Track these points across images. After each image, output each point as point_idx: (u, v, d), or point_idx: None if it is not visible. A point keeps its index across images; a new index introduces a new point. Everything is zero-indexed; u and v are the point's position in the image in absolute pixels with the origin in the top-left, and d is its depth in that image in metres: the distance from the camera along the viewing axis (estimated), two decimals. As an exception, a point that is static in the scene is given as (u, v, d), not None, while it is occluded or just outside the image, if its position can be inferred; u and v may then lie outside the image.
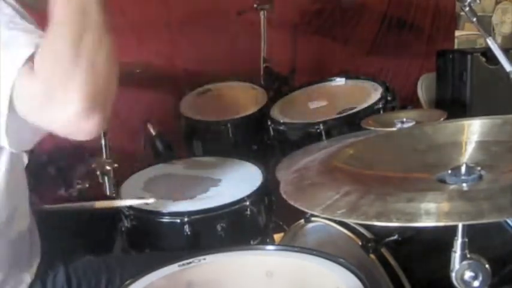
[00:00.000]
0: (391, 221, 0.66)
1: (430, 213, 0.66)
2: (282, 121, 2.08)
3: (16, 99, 0.88)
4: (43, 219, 1.26)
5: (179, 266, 1.06)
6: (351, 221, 1.15)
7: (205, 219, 1.53)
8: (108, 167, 1.95)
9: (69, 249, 1.27)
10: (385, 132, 1.40)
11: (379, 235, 1.22)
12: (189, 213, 1.51)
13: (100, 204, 1.56)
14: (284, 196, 0.81)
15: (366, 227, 1.25)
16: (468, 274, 0.74)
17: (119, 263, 1.25)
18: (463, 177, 0.77)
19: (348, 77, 2.29)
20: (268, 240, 1.73)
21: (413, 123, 1.58)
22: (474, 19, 1.43)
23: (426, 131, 0.97)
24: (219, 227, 1.53)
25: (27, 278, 1.14)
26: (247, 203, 1.57)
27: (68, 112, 0.85)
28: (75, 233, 1.41)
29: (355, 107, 2.01)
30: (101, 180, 1.98)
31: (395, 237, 1.21)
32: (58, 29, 0.90)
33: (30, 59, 0.88)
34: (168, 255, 1.20)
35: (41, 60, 0.87)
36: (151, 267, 1.06)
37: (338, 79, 2.29)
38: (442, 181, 0.79)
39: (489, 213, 0.63)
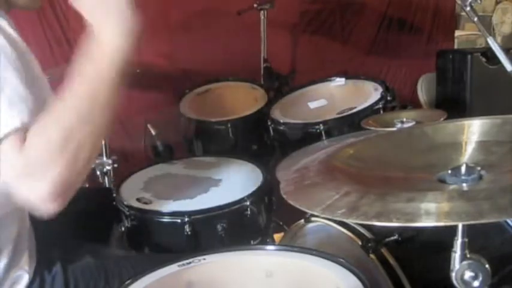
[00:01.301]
0: (391, 221, 0.66)
1: (430, 213, 0.66)
2: (282, 121, 2.08)
3: None
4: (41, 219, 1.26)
5: (179, 266, 1.06)
6: (350, 221, 1.15)
7: (205, 219, 1.53)
8: (108, 167, 1.96)
9: (68, 248, 1.26)
10: (385, 132, 1.40)
11: (379, 235, 1.22)
12: (189, 213, 1.51)
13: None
14: (284, 196, 0.81)
15: (366, 227, 1.25)
16: (468, 274, 0.74)
17: (117, 264, 1.25)
18: (463, 177, 0.77)
19: (348, 77, 2.29)
20: (268, 240, 1.73)
21: (413, 123, 1.58)
22: (475, 19, 1.43)
23: (426, 131, 0.97)
24: (219, 227, 1.53)
25: (26, 277, 1.14)
26: (247, 203, 1.57)
27: (37, 193, 0.92)
28: (75, 233, 1.41)
29: (355, 107, 2.01)
30: (101, 180, 1.98)
31: (395, 237, 1.21)
32: (62, 111, 0.95)
33: (19, 130, 0.92)
34: (168, 255, 1.20)
35: (34, 137, 0.92)
36: (151, 267, 1.06)
37: (338, 79, 2.29)
38: (442, 181, 0.79)
39: (489, 214, 0.63)
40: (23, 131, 0.93)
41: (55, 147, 0.92)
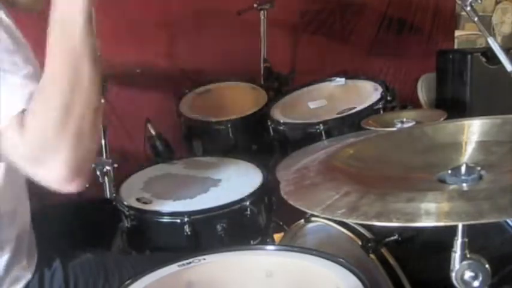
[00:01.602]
0: (391, 221, 0.66)
1: (430, 213, 0.66)
2: (282, 121, 2.08)
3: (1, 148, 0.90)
4: (42, 218, 1.26)
5: (179, 266, 1.06)
6: (350, 221, 1.15)
7: (205, 219, 1.53)
8: (108, 167, 1.96)
9: (68, 248, 1.27)
10: (385, 132, 1.40)
11: (379, 235, 1.22)
12: (189, 213, 1.51)
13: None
14: (284, 196, 0.81)
15: (366, 227, 1.25)
16: (468, 274, 0.74)
17: (117, 263, 1.25)
18: (463, 177, 0.77)
19: (348, 77, 2.29)
20: (268, 240, 1.73)
21: (413, 123, 1.58)
22: (476, 19, 1.43)
23: (426, 131, 0.97)
24: (219, 227, 1.53)
25: (28, 275, 1.14)
26: (247, 203, 1.57)
27: (53, 175, 0.90)
28: (75, 233, 1.41)
29: (355, 107, 2.01)
30: (101, 180, 1.98)
31: (395, 237, 1.21)
32: (49, 88, 0.92)
33: (19, 114, 0.90)
34: (167, 255, 1.20)
35: (32, 120, 0.90)
36: (151, 267, 1.06)
37: (338, 79, 2.29)
38: (442, 181, 0.79)
39: (489, 214, 0.63)
40: (20, 116, 0.90)
41: (56, 126, 0.89)
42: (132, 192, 1.67)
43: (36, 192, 1.20)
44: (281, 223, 1.89)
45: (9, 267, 1.11)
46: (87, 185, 0.95)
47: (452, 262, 0.75)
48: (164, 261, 1.07)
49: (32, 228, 1.21)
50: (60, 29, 0.96)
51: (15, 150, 0.91)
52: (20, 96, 0.92)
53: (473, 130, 0.90)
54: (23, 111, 0.91)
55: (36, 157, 0.89)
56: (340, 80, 2.28)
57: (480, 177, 0.77)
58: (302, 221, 1.43)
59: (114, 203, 1.63)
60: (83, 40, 0.94)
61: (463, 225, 0.74)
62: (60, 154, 0.89)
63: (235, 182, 1.71)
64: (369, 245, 1.21)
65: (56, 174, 0.89)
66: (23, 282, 1.14)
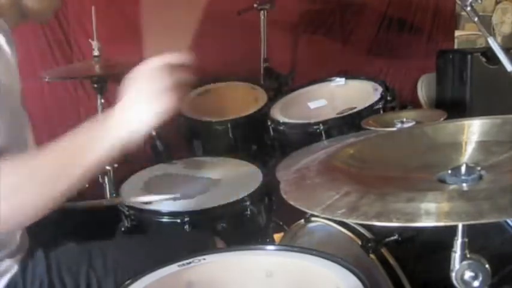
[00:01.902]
0: (390, 221, 0.66)
1: (430, 213, 0.66)
2: (282, 121, 2.08)
3: None
4: (42, 218, 1.26)
5: (179, 266, 1.06)
6: (350, 221, 1.15)
7: (205, 219, 1.53)
8: (108, 167, 1.96)
9: (50, 236, 1.26)
10: (385, 132, 1.40)
11: (379, 235, 1.22)
12: (189, 213, 1.51)
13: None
14: (284, 196, 0.81)
15: (366, 227, 1.25)
16: (468, 274, 0.74)
17: (101, 248, 1.24)
18: (463, 177, 0.77)
19: (348, 77, 2.29)
20: (268, 240, 1.73)
21: (413, 123, 1.58)
22: (476, 19, 1.43)
23: (426, 131, 0.97)
24: (219, 227, 1.53)
25: (13, 268, 1.14)
26: (247, 203, 1.57)
27: None
28: (75, 233, 1.41)
29: (355, 107, 2.01)
30: (100, 180, 1.98)
31: (395, 237, 1.21)
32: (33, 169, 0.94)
33: None
34: (167, 256, 1.20)
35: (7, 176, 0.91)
36: (151, 267, 1.06)
37: (338, 79, 2.29)
38: (442, 181, 0.79)
39: (489, 214, 0.63)
40: None
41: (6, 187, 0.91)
42: (132, 192, 1.67)
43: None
44: (281, 223, 1.89)
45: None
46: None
47: (452, 262, 0.75)
48: (164, 261, 1.07)
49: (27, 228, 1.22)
50: (84, 145, 0.98)
51: None
52: None
53: (473, 130, 0.90)
54: None
55: None
56: (340, 80, 2.28)
57: (480, 177, 0.77)
58: (302, 221, 1.43)
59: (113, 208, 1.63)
60: (89, 166, 0.97)
61: (463, 225, 0.74)
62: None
63: (235, 182, 1.71)
64: (369, 245, 1.21)
65: None
66: (8, 276, 1.14)
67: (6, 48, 1.05)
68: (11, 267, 1.14)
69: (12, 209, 0.92)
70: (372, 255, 1.20)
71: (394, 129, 1.52)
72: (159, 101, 0.98)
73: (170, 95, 0.98)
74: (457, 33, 3.78)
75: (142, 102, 0.98)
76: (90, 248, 1.24)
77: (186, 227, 1.50)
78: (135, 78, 1.00)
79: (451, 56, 3.11)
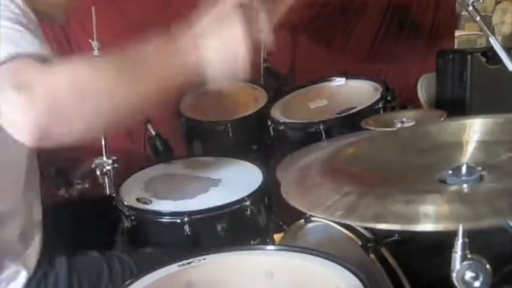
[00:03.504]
0: (388, 223, 0.66)
1: (428, 216, 0.65)
2: (282, 121, 2.08)
3: None
4: (43, 218, 1.26)
5: (179, 266, 1.06)
6: (348, 222, 1.15)
7: (205, 219, 1.53)
8: (108, 167, 1.96)
9: (72, 246, 1.26)
10: (386, 132, 1.40)
11: (379, 235, 1.22)
12: (189, 213, 1.51)
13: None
14: (284, 196, 0.81)
15: (366, 227, 1.25)
16: (469, 274, 0.74)
17: (121, 261, 1.25)
18: (463, 178, 0.77)
19: (348, 77, 2.29)
20: (268, 240, 1.73)
21: (413, 123, 1.58)
22: (478, 18, 1.43)
23: (427, 130, 0.97)
24: (219, 227, 1.53)
25: (24, 273, 1.14)
26: (247, 203, 1.57)
27: (27, 108, 0.84)
28: (76, 234, 1.42)
29: (355, 107, 2.01)
30: (100, 180, 1.98)
31: (395, 237, 1.21)
32: (95, 71, 0.91)
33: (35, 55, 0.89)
34: (167, 255, 1.20)
35: (55, 69, 0.89)
36: (151, 267, 1.06)
37: (338, 79, 2.29)
38: (443, 181, 0.79)
39: (487, 217, 0.63)
40: (43, 58, 0.91)
41: (76, 86, 0.87)
42: (132, 192, 1.67)
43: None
44: (281, 223, 1.89)
45: (8, 263, 1.12)
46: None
47: (453, 262, 0.75)
48: (164, 261, 1.07)
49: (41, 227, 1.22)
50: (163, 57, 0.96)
51: (14, 74, 0.88)
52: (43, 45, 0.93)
53: (475, 129, 0.90)
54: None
55: (31, 84, 0.85)
56: (340, 80, 2.28)
57: (481, 178, 0.77)
58: (302, 221, 1.43)
59: (114, 203, 1.63)
60: (161, 83, 0.95)
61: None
62: (54, 99, 0.86)
63: (235, 182, 1.71)
64: (369, 245, 1.21)
65: (32, 109, 0.84)
66: (23, 280, 1.14)
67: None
68: (20, 271, 1.14)
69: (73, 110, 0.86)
70: (372, 255, 1.20)
71: (394, 129, 1.52)
72: (238, 52, 0.95)
73: (249, 53, 0.95)
74: (457, 33, 3.77)
75: (223, 42, 0.95)
76: (110, 259, 1.25)
77: (186, 227, 1.50)
78: (228, 18, 0.97)
79: (451, 56, 3.11)
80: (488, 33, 1.43)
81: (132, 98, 0.92)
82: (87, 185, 1.95)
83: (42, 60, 0.90)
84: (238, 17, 0.95)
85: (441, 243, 0.80)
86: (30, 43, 0.92)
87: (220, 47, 0.95)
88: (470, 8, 1.42)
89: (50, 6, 1.17)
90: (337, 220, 0.78)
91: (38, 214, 1.22)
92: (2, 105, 0.86)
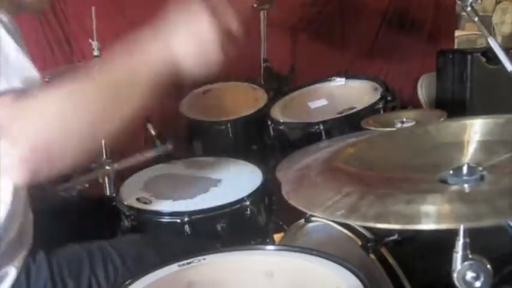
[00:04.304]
0: (389, 223, 0.66)
1: (429, 216, 0.65)
2: (282, 121, 2.08)
3: None
4: (42, 217, 1.26)
5: (179, 266, 1.06)
6: (349, 222, 1.15)
7: (205, 219, 1.53)
8: (108, 167, 1.96)
9: (51, 237, 1.26)
10: (386, 132, 1.40)
11: (379, 235, 1.22)
12: (189, 213, 1.51)
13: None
14: (285, 196, 0.81)
15: (366, 227, 1.25)
16: (470, 275, 0.74)
17: (102, 249, 1.24)
18: (464, 178, 0.77)
19: (348, 77, 2.29)
20: (268, 240, 1.73)
21: (413, 123, 1.58)
22: (476, 19, 1.43)
23: (428, 130, 0.96)
24: (219, 227, 1.53)
25: (13, 273, 1.14)
26: (247, 203, 1.57)
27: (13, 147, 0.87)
28: (76, 234, 1.41)
29: (355, 107, 2.01)
30: (101, 180, 1.98)
31: (395, 237, 1.21)
32: (74, 95, 0.92)
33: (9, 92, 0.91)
34: (167, 255, 1.20)
35: (33, 107, 0.90)
36: (151, 267, 1.06)
37: (338, 79, 2.29)
38: (444, 181, 0.78)
39: (488, 217, 0.63)
40: (19, 93, 0.91)
41: (48, 117, 0.89)
42: (132, 192, 1.67)
43: (36, 192, 1.20)
44: (281, 223, 1.89)
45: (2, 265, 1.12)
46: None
47: (453, 263, 0.75)
48: (164, 261, 1.07)
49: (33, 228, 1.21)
50: (132, 71, 0.96)
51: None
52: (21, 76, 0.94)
53: (476, 129, 0.89)
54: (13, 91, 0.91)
55: (7, 125, 0.87)
56: (340, 80, 2.28)
57: (482, 178, 0.77)
58: (302, 221, 1.43)
59: (114, 203, 1.63)
60: (139, 95, 0.96)
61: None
62: (30, 136, 0.88)
63: (235, 182, 1.71)
64: (369, 245, 1.21)
65: (16, 152, 0.87)
66: (11, 280, 1.13)
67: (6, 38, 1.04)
68: (9, 272, 1.14)
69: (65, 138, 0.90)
70: (371, 255, 1.20)
71: (394, 129, 1.52)
72: (207, 42, 0.96)
73: (219, 43, 0.96)
74: (457, 33, 3.77)
75: (192, 37, 0.96)
76: (92, 249, 1.23)
77: (186, 227, 1.50)
78: (192, 11, 0.97)
79: (451, 56, 3.11)
80: (486, 33, 1.43)
81: (114, 117, 0.94)
82: (87, 185, 1.95)
83: (23, 93, 0.92)
84: (203, 9, 0.96)
85: (441, 243, 0.80)
86: (12, 75, 0.93)
87: (190, 40, 0.96)
88: (469, 8, 1.42)
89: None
90: (338, 220, 0.78)
91: (30, 214, 1.21)
92: None
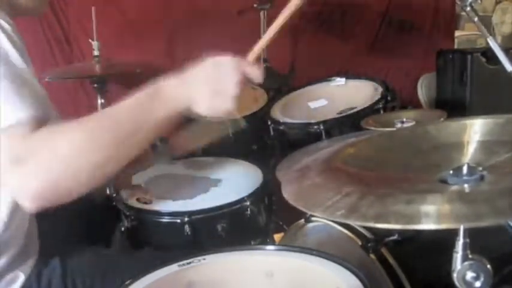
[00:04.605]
0: (389, 223, 0.66)
1: (429, 216, 0.65)
2: (282, 121, 2.08)
3: None
4: (42, 217, 1.26)
5: (179, 266, 1.06)
6: (349, 222, 1.15)
7: (205, 219, 1.53)
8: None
9: (67, 246, 1.26)
10: (386, 132, 1.40)
11: (379, 235, 1.22)
12: (189, 213, 1.51)
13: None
14: (285, 196, 0.81)
15: (366, 227, 1.25)
16: (470, 275, 0.74)
17: (114, 262, 1.24)
18: (464, 178, 0.77)
19: (348, 77, 2.29)
20: (268, 240, 1.73)
21: (413, 123, 1.58)
22: (475, 19, 1.43)
23: (428, 130, 0.96)
24: (219, 227, 1.52)
25: (21, 275, 1.14)
26: (247, 203, 1.57)
27: (25, 184, 0.92)
28: (74, 232, 1.41)
29: (355, 107, 2.01)
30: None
31: (396, 237, 1.21)
32: (88, 128, 0.96)
33: (30, 121, 0.93)
34: (167, 255, 1.20)
35: (44, 134, 0.93)
36: (151, 267, 1.06)
37: (338, 79, 2.29)
38: (444, 181, 0.79)
39: (488, 217, 0.63)
40: (36, 120, 0.94)
41: (63, 153, 0.92)
42: (132, 192, 1.67)
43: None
44: (281, 223, 1.89)
45: (11, 265, 1.12)
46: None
47: (453, 263, 0.75)
48: (164, 261, 1.07)
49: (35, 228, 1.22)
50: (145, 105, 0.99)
51: (9, 147, 0.92)
52: (36, 101, 0.96)
53: (476, 129, 0.89)
54: (37, 118, 0.94)
55: (21, 159, 0.91)
56: (340, 80, 2.28)
57: (482, 178, 0.77)
58: (302, 221, 1.43)
59: (114, 203, 1.63)
60: (148, 131, 0.99)
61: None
62: (45, 173, 0.92)
63: (235, 182, 1.71)
64: (369, 245, 1.21)
65: (27, 185, 0.91)
66: (20, 281, 1.13)
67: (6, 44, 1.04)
68: (21, 275, 1.14)
69: (73, 173, 0.93)
70: (372, 255, 1.20)
71: (394, 129, 1.52)
72: (219, 94, 0.99)
73: (231, 95, 0.99)
74: (457, 33, 3.78)
75: (204, 85, 0.99)
76: (103, 260, 1.25)
77: (186, 227, 1.50)
78: (208, 62, 1.02)
79: (451, 56, 3.11)
80: (486, 33, 1.43)
81: (121, 155, 0.98)
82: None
83: (35, 122, 0.94)
84: (234, 66, 1.01)
85: (441, 243, 0.80)
86: (25, 104, 0.94)
87: (209, 87, 1.00)
88: (468, 8, 1.42)
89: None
90: (338, 220, 0.78)
91: (34, 220, 1.22)
92: (1, 176, 0.93)
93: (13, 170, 0.91)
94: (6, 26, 1.00)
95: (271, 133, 2.10)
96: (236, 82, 0.99)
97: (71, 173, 0.93)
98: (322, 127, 1.92)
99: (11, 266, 1.12)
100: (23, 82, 0.96)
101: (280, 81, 2.53)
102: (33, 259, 1.17)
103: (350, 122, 1.93)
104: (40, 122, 0.94)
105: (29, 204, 0.94)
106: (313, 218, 1.39)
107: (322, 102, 2.21)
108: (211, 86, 1.00)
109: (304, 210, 0.76)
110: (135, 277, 1.03)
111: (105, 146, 0.95)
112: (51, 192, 0.93)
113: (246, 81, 1.01)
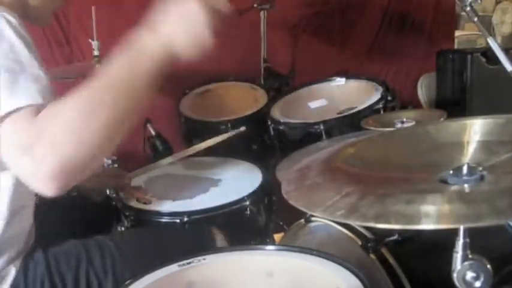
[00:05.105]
0: (389, 223, 0.66)
1: (429, 216, 0.65)
2: (282, 121, 2.08)
3: None
4: (42, 217, 1.26)
5: (179, 266, 1.06)
6: (350, 222, 1.15)
7: (205, 219, 1.53)
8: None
9: (49, 234, 1.26)
10: (386, 132, 1.40)
11: (380, 235, 1.22)
12: (189, 213, 1.51)
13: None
14: (285, 196, 0.81)
15: (366, 226, 1.25)
16: (470, 275, 0.74)
17: (99, 244, 1.24)
18: (464, 178, 0.77)
19: (348, 77, 2.29)
20: (268, 240, 1.73)
21: (413, 123, 1.58)
22: (475, 19, 1.43)
23: (428, 130, 0.96)
24: (219, 227, 1.52)
25: (13, 271, 1.14)
26: (247, 203, 1.57)
27: (42, 166, 0.90)
28: (75, 234, 1.41)
29: (355, 107, 2.01)
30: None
31: (396, 237, 1.21)
32: (94, 103, 0.94)
33: (34, 105, 0.94)
34: (168, 255, 1.20)
35: (49, 112, 0.93)
36: (151, 267, 1.06)
37: (338, 79, 2.29)
38: (444, 181, 0.79)
39: (488, 217, 0.63)
40: (37, 106, 0.94)
41: (70, 124, 0.92)
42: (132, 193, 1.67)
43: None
44: (281, 223, 1.89)
45: (9, 262, 1.12)
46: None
47: (453, 263, 0.75)
48: (164, 261, 1.07)
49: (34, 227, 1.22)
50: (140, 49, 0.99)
51: (17, 134, 0.92)
52: (37, 88, 0.96)
53: (476, 129, 0.90)
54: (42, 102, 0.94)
55: (35, 144, 0.90)
56: (340, 80, 2.28)
57: (482, 178, 0.77)
58: (302, 220, 1.43)
59: (114, 203, 1.63)
60: (148, 71, 0.98)
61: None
62: (61, 150, 0.91)
63: (235, 182, 1.71)
64: (369, 245, 1.21)
65: (46, 167, 0.90)
66: (11, 279, 1.13)
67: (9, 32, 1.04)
68: (10, 271, 1.14)
69: (87, 140, 0.92)
70: (372, 255, 1.20)
71: (394, 129, 1.52)
72: (193, 26, 1.00)
73: (204, 24, 1.01)
74: (457, 33, 3.78)
75: (177, 24, 1.00)
76: (89, 242, 1.24)
77: (186, 227, 1.49)
78: (171, 4, 1.01)
79: (451, 56, 3.11)
80: (486, 33, 1.43)
81: (125, 114, 0.97)
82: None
83: (36, 108, 0.94)
84: (206, 13, 1.01)
85: (441, 243, 0.80)
86: (25, 91, 0.95)
87: (181, 24, 1.00)
88: (468, 8, 1.42)
89: (39, 9, 1.19)
90: (338, 220, 0.78)
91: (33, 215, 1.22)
92: (13, 167, 0.94)
93: (23, 158, 0.90)
94: (12, 20, 1.01)
95: (271, 133, 2.10)
96: (204, 12, 1.00)
97: (82, 140, 0.92)
98: (322, 127, 1.92)
99: (7, 264, 1.12)
100: (22, 69, 0.96)
101: (280, 81, 2.53)
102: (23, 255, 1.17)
103: (350, 122, 1.93)
104: (40, 108, 0.94)
105: (48, 188, 0.92)
106: (313, 218, 1.39)
107: (322, 102, 2.21)
108: (184, 22, 1.00)
109: (304, 210, 0.76)
110: (135, 277, 1.03)
111: (108, 106, 0.94)
112: (67, 169, 0.91)
113: (213, 9, 1.01)
